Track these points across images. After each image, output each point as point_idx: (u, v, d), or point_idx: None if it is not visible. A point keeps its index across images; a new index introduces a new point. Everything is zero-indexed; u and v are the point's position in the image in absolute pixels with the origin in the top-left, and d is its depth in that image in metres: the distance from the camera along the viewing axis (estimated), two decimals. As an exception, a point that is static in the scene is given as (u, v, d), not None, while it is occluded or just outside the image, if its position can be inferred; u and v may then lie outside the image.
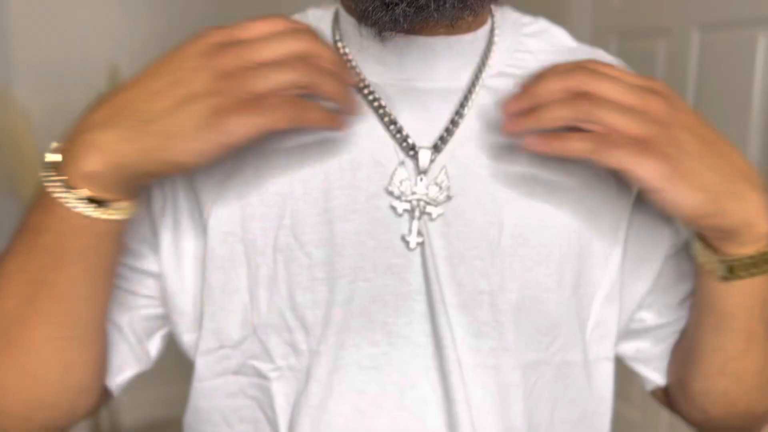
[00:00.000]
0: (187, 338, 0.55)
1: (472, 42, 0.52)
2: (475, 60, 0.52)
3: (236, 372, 0.53)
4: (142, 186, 0.47)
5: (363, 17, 0.46)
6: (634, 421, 1.80)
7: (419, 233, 0.49)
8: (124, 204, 0.46)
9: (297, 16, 0.55)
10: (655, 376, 0.61)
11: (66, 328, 0.49)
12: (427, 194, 0.50)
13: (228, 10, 2.15)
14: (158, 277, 0.54)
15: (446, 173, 0.50)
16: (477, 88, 0.52)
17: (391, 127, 0.50)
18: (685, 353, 0.58)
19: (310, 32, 0.46)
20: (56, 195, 0.44)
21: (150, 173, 0.45)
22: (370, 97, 0.51)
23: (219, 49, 0.44)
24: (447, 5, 0.44)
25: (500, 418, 0.50)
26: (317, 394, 0.50)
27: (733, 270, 0.49)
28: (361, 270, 0.50)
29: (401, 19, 0.44)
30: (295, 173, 0.50)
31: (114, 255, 0.49)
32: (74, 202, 0.45)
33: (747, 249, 0.48)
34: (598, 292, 0.53)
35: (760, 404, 0.57)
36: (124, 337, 0.56)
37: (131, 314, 0.55)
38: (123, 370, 0.56)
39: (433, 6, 0.44)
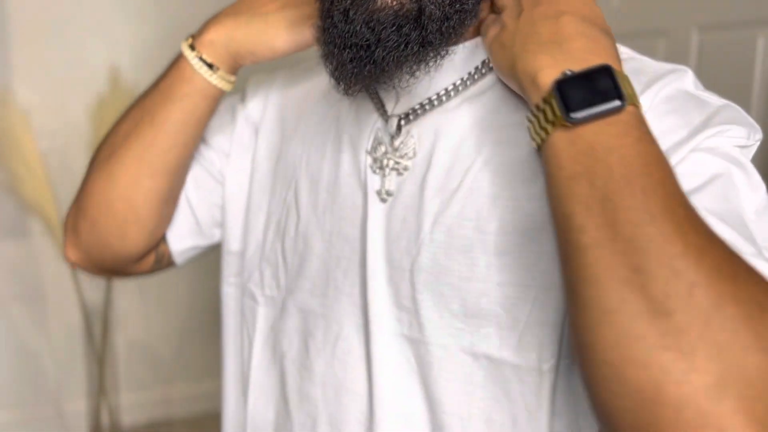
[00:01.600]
0: (225, 246, 0.72)
1: (472, 50, 0.56)
2: (455, 76, 0.56)
3: (241, 289, 0.69)
4: (241, 65, 0.64)
5: (333, 73, 0.54)
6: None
7: (387, 191, 0.57)
8: (224, 75, 0.64)
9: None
10: None
11: (155, 154, 0.64)
12: (397, 151, 0.57)
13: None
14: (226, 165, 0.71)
15: (415, 135, 0.57)
16: (452, 95, 0.57)
17: (378, 106, 0.60)
18: None
19: None
20: (185, 54, 0.64)
21: (251, 52, 0.62)
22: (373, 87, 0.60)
23: None
24: (403, 69, 0.53)
25: (419, 387, 0.55)
26: (284, 325, 0.63)
27: (532, 131, 0.46)
28: (331, 234, 0.61)
29: (365, 75, 0.52)
30: (305, 148, 0.65)
31: (203, 114, 0.65)
32: (193, 59, 0.63)
33: (532, 100, 0.46)
34: (531, 294, 0.50)
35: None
36: (191, 210, 0.71)
37: (201, 194, 0.71)
38: (184, 238, 0.72)
39: (392, 69, 0.52)
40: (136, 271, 0.72)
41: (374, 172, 0.58)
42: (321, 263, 0.61)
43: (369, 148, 0.59)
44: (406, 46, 0.49)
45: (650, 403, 0.35)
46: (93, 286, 2.08)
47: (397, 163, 0.57)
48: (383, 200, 0.57)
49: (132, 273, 0.73)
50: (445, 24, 0.50)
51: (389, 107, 0.59)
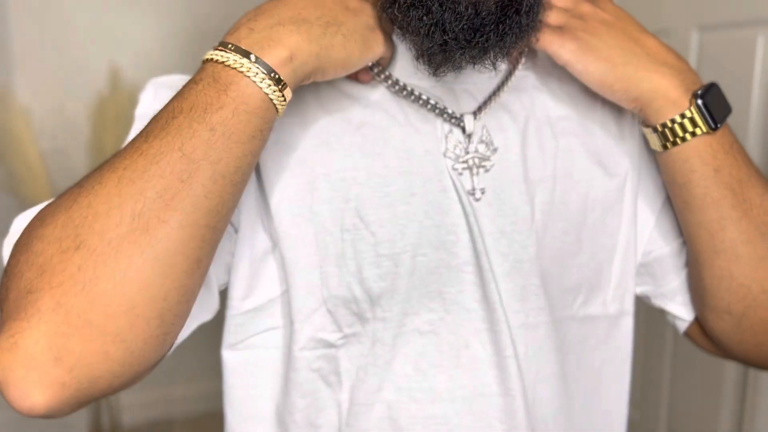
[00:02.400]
0: (238, 304, 0.58)
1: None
2: (502, 72, 0.60)
3: (303, 347, 0.57)
4: (305, 82, 0.51)
5: (421, 56, 0.53)
6: (633, 420, 1.80)
7: (481, 189, 0.58)
8: (288, 94, 0.49)
9: None
10: (682, 310, 0.66)
11: (208, 215, 0.45)
12: (477, 150, 0.58)
13: (230, 10, 2.15)
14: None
15: (487, 130, 0.59)
16: (503, 89, 0.60)
17: (437, 110, 0.58)
18: (692, 268, 0.63)
19: None
20: (247, 73, 0.46)
21: (322, 68, 0.50)
22: (416, 93, 0.57)
23: None
24: (491, 54, 0.53)
25: (541, 367, 0.59)
26: (382, 356, 0.57)
27: (665, 137, 0.57)
28: (420, 246, 0.56)
29: (456, 63, 0.53)
30: (357, 161, 0.56)
31: (258, 154, 0.49)
32: (263, 79, 0.46)
33: (667, 115, 0.56)
34: (616, 254, 0.62)
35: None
36: (207, 284, 0.56)
37: (217, 256, 0.54)
38: (190, 322, 0.54)
39: (479, 56, 0.52)
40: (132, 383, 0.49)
41: (460, 173, 0.57)
42: (416, 279, 0.57)
43: (445, 150, 0.58)
44: (506, 34, 0.52)
45: None
46: (93, 286, 2.08)
47: (482, 160, 0.58)
48: (477, 199, 0.58)
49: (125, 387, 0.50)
50: (534, 10, 0.54)
51: (452, 108, 0.59)
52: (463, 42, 0.51)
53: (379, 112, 0.58)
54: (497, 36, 0.51)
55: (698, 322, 0.65)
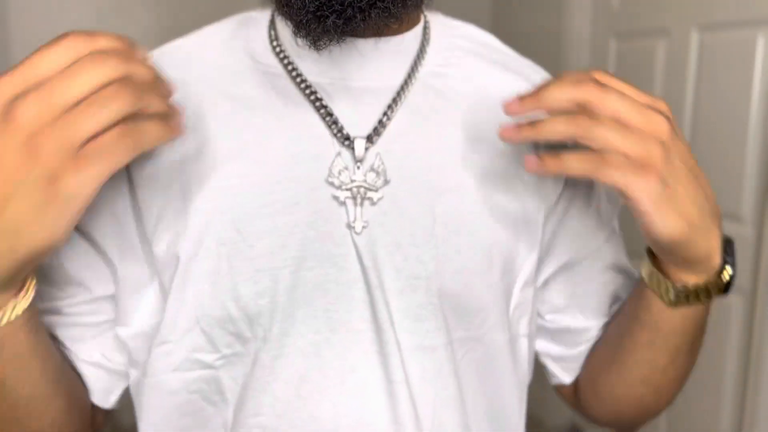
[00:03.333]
0: (120, 332, 0.55)
1: (399, 44, 0.54)
2: (408, 60, 0.55)
3: (177, 368, 0.53)
4: (16, 280, 0.44)
5: (297, 28, 0.48)
6: (633, 421, 1.80)
7: (364, 223, 0.51)
8: (13, 300, 0.45)
9: (230, 20, 0.59)
10: (564, 375, 0.65)
11: (21, 411, 0.50)
12: (365, 180, 0.51)
13: (225, 7, 2.15)
14: (112, 298, 0.55)
15: (381, 159, 0.52)
16: (410, 86, 0.54)
17: (327, 118, 0.52)
18: (605, 360, 0.61)
19: (116, 42, 0.42)
20: None
21: (16, 269, 0.42)
22: (308, 92, 0.52)
23: (15, 106, 0.38)
24: (372, 15, 0.46)
25: (436, 392, 0.53)
26: (261, 378, 0.52)
27: (681, 296, 0.52)
28: (303, 260, 0.50)
29: (332, 30, 0.47)
30: (234, 169, 0.51)
31: (34, 333, 0.48)
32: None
33: (700, 279, 0.51)
34: (520, 276, 0.56)
35: (667, 404, 0.62)
36: (102, 366, 0.57)
37: (100, 343, 0.56)
38: (113, 392, 0.59)
39: (359, 17, 0.46)
40: None
41: (342, 202, 0.51)
42: (299, 296, 0.51)
43: (329, 177, 0.51)
44: None
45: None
46: (93, 286, 2.09)
47: (369, 191, 0.51)
48: (357, 233, 0.51)
49: None
50: None
51: (349, 128, 0.52)
52: (333, 5, 0.45)
53: (263, 114, 0.52)
54: None
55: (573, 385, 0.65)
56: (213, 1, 2.18)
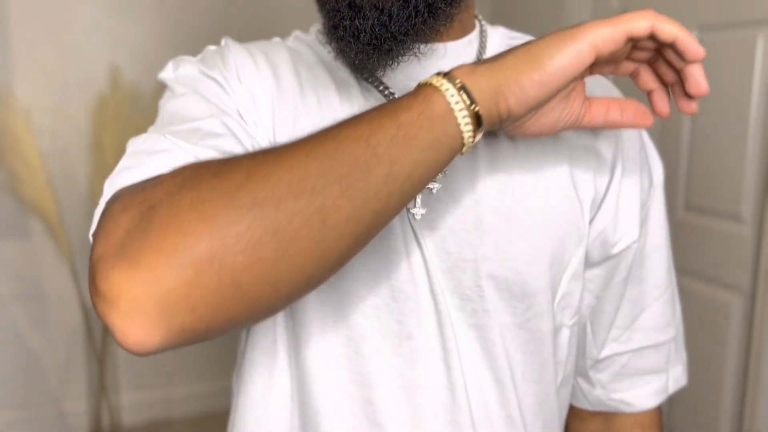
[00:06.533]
0: None
1: (464, 46, 0.60)
2: (470, 60, 0.60)
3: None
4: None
5: (358, 71, 0.56)
6: (633, 421, 1.80)
7: (421, 205, 0.56)
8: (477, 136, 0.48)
9: (278, 39, 0.65)
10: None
11: (371, 217, 0.45)
12: None
13: (227, 10, 2.15)
14: None
15: None
16: None
17: None
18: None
19: None
20: (443, 89, 0.46)
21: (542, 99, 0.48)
22: (386, 93, 0.58)
23: None
24: (407, 43, 0.53)
25: (486, 368, 0.58)
26: (322, 333, 0.57)
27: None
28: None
29: (378, 63, 0.54)
30: None
31: (428, 174, 0.47)
32: (457, 101, 0.45)
33: None
34: (568, 269, 0.60)
35: None
36: None
37: None
38: None
39: (396, 49, 0.53)
40: None
41: None
42: (367, 261, 0.56)
43: None
44: (416, 14, 0.52)
45: None
46: (93, 286, 2.09)
47: (430, 182, 0.54)
48: (417, 219, 0.56)
49: None
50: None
51: None
52: (381, 35, 0.52)
53: (340, 107, 0.59)
54: (409, 17, 0.52)
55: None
56: (213, 2, 2.18)
